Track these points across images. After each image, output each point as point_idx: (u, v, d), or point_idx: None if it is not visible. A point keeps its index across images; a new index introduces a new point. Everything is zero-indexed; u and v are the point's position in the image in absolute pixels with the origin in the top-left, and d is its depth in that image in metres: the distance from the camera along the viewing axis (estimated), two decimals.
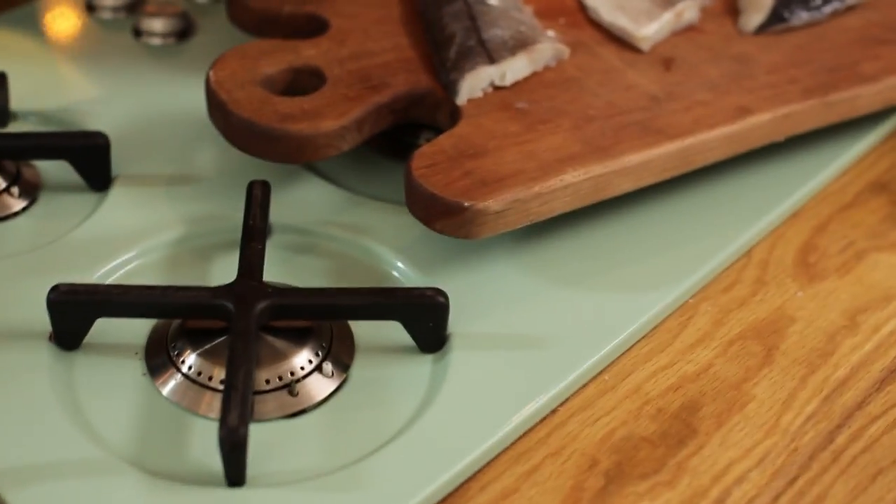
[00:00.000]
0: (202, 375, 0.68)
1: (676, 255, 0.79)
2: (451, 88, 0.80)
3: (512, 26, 0.85)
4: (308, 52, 0.83)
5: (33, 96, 0.90)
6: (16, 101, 0.88)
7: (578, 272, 0.77)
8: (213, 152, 0.84)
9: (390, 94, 0.80)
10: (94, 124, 0.86)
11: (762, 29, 0.91)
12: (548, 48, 0.84)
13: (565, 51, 0.85)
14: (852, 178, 0.90)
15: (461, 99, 0.80)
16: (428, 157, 0.75)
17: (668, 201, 0.83)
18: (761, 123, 0.83)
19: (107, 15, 1.00)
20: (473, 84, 0.80)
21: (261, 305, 0.68)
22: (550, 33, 0.88)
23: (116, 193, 0.81)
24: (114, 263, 0.76)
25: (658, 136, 0.79)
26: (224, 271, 0.75)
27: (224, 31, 0.93)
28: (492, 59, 0.81)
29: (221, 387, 0.66)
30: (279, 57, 0.82)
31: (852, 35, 0.93)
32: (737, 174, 0.86)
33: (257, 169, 0.81)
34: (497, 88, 0.82)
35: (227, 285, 0.69)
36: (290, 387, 0.68)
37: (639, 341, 0.74)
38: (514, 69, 0.82)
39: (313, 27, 0.87)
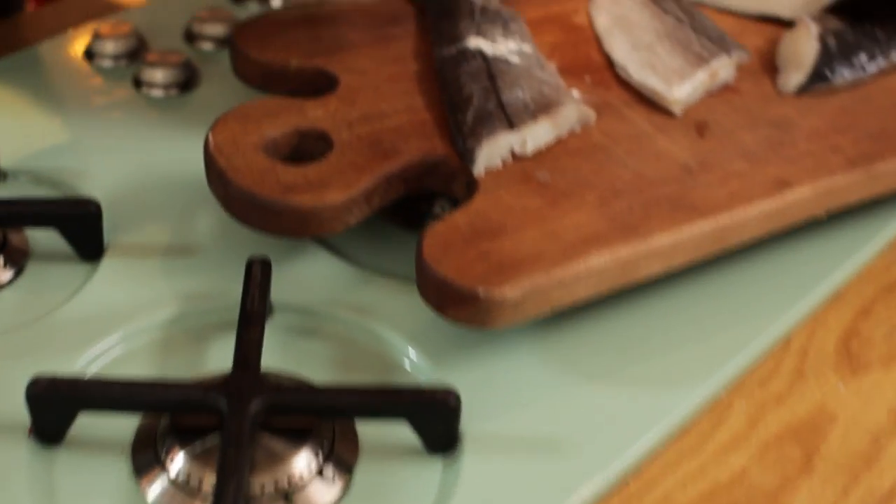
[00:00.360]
0: (192, 480, 0.62)
1: (708, 345, 0.73)
2: (467, 157, 0.74)
3: (534, 87, 0.79)
4: (315, 114, 0.78)
5: (25, 153, 0.84)
6: (6, 158, 0.83)
7: (601, 365, 0.71)
8: (214, 218, 0.78)
9: (402, 162, 0.75)
10: (88, 186, 0.81)
11: (803, 89, 0.86)
12: (572, 112, 0.78)
13: (591, 115, 0.80)
14: None
15: (478, 169, 0.74)
16: (441, 236, 0.69)
17: (698, 283, 0.77)
18: (802, 198, 0.77)
19: (107, 63, 0.95)
20: (492, 152, 0.74)
21: (256, 404, 0.62)
22: (576, 93, 0.82)
23: (108, 265, 0.76)
24: (102, 346, 0.70)
25: (690, 212, 0.73)
26: (220, 356, 0.70)
27: (229, 80, 0.88)
28: (512, 125, 0.75)
29: (211, 495, 0.61)
30: (284, 118, 0.77)
31: None
32: (773, 252, 0.80)
33: (260, 239, 0.75)
34: (517, 156, 0.76)
35: (220, 379, 0.64)
36: (288, 497, 0.62)
37: (667, 444, 0.68)
38: (535, 135, 0.76)
39: (322, 83, 0.82)
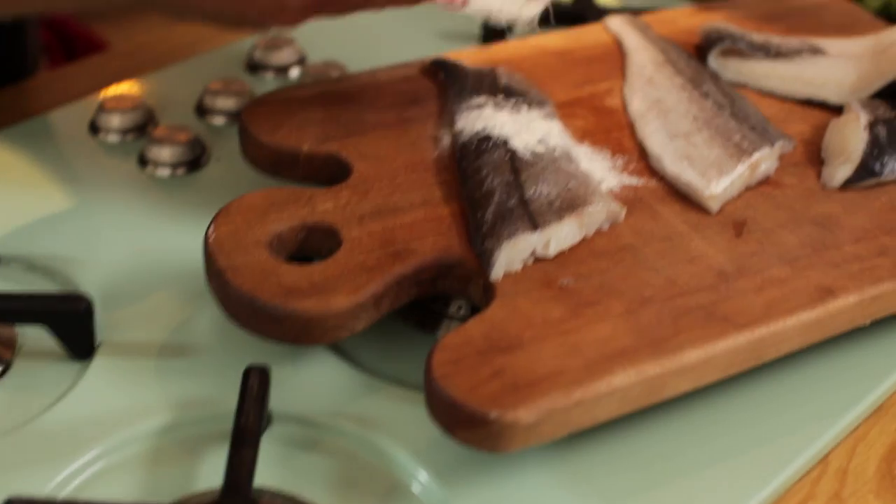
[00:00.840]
0: None
1: (739, 465, 0.68)
2: (485, 259, 0.69)
3: (560, 181, 0.74)
4: (324, 206, 0.73)
5: (21, 236, 0.80)
6: (1, 241, 0.79)
7: (621, 486, 0.66)
8: (214, 316, 0.73)
9: (415, 264, 0.69)
10: (83, 275, 0.77)
11: (850, 184, 0.80)
12: (601, 211, 0.73)
13: (621, 213, 0.74)
14: None
15: (496, 274, 0.69)
16: (453, 350, 0.64)
17: (728, 395, 0.72)
18: (846, 307, 0.72)
19: (112, 138, 0.90)
20: (512, 255, 0.69)
21: None
22: (605, 186, 0.77)
23: (99, 365, 0.71)
24: (87, 457, 0.66)
25: (724, 324, 0.68)
26: (212, 472, 0.65)
27: (240, 159, 0.83)
28: (535, 225, 0.70)
29: None
30: (291, 211, 0.72)
31: None
32: (810, 361, 0.74)
33: (262, 342, 0.70)
34: (539, 259, 0.71)
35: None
36: None
37: None
38: (559, 236, 0.71)
39: (335, 170, 0.77)
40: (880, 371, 0.75)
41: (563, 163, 0.76)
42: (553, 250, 0.71)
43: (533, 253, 0.71)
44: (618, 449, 0.68)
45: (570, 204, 0.72)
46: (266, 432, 0.67)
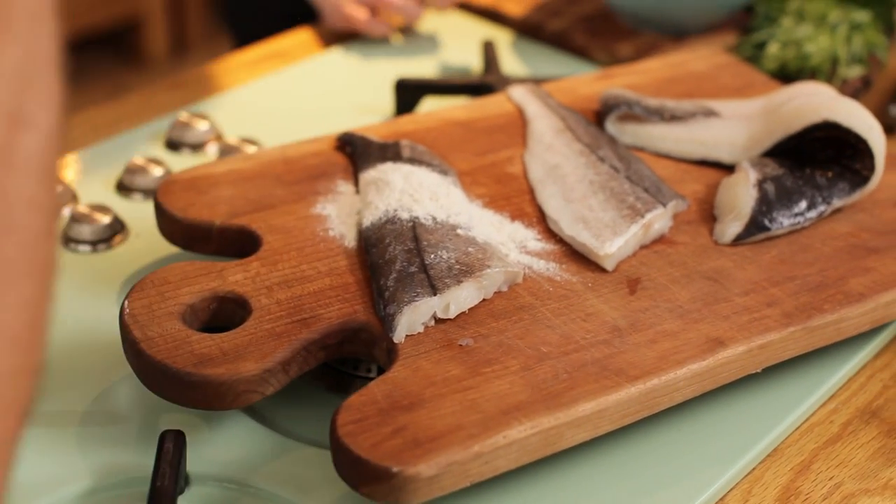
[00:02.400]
0: None
1: None
2: (387, 323, 0.72)
3: (460, 247, 0.77)
4: (235, 278, 0.76)
5: None
6: None
7: None
8: (133, 384, 0.76)
9: (321, 330, 0.73)
10: None
11: (740, 239, 0.84)
12: (499, 274, 0.76)
13: (519, 274, 0.78)
14: (839, 404, 0.82)
15: (398, 336, 0.72)
16: (356, 409, 0.67)
17: (626, 443, 0.75)
18: (735, 356, 0.75)
19: None
20: (413, 319, 0.73)
21: None
22: (504, 250, 0.80)
23: (25, 435, 0.73)
24: None
25: (618, 377, 0.71)
26: None
27: (158, 235, 0.85)
28: (434, 290, 0.73)
29: None
30: (203, 283, 0.75)
31: (839, 243, 0.86)
32: (706, 408, 0.78)
33: (179, 408, 0.72)
34: (440, 320, 0.74)
35: None
36: None
37: None
38: (459, 299, 0.75)
39: (246, 243, 0.80)
40: (774, 416, 0.79)
41: (463, 229, 0.79)
42: (453, 312, 0.74)
43: (434, 315, 0.74)
44: (516, 496, 0.71)
45: (468, 268, 0.75)
46: (184, 493, 0.70)
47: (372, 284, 0.76)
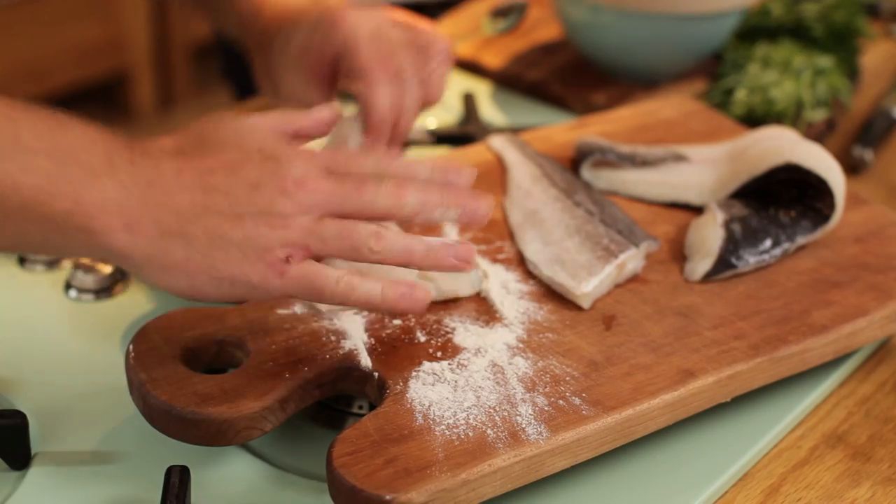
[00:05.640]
0: None
1: None
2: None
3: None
4: (233, 322, 0.81)
5: None
6: None
7: None
8: (138, 424, 0.80)
9: (316, 369, 0.77)
10: (17, 395, 0.84)
11: (709, 276, 0.89)
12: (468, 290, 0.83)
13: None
14: (806, 430, 0.87)
15: None
16: (350, 442, 0.72)
17: (605, 469, 0.80)
18: (705, 386, 0.80)
19: (39, 267, 0.97)
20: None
21: None
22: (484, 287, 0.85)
23: (35, 474, 0.78)
24: None
25: (595, 408, 0.76)
26: None
27: None
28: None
29: None
30: (203, 328, 0.80)
31: (803, 278, 0.91)
32: (680, 436, 0.83)
33: (181, 444, 0.77)
34: (430, 357, 0.79)
35: None
36: None
37: None
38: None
39: None
40: (745, 442, 0.83)
41: None
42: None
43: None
44: None
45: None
46: None
47: None
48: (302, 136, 0.79)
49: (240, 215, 0.71)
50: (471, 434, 0.73)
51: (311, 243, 0.72)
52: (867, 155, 1.20)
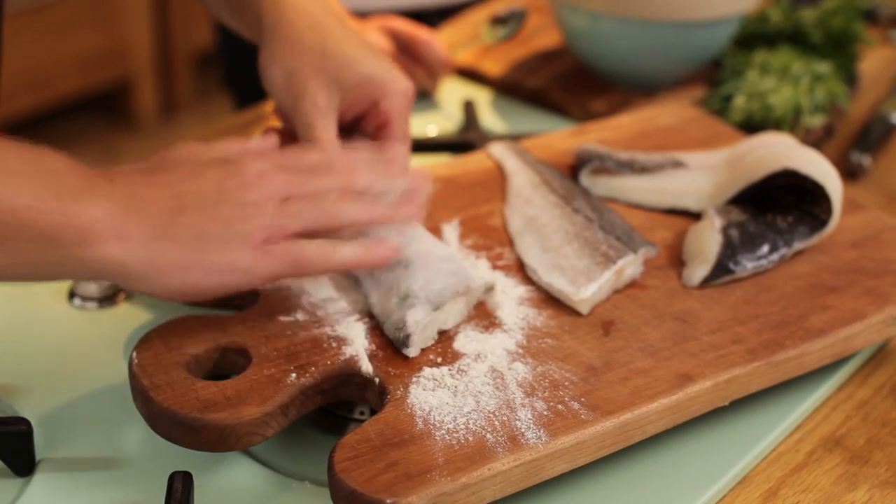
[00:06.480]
0: None
1: None
2: (401, 343, 0.79)
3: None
4: (235, 329, 0.81)
5: None
6: None
7: None
8: (142, 429, 0.81)
9: (317, 375, 0.78)
10: (22, 402, 0.85)
11: (707, 282, 0.90)
12: (480, 288, 0.85)
13: (493, 283, 0.86)
14: (804, 434, 0.87)
15: (414, 352, 0.80)
16: (351, 447, 0.73)
17: (604, 473, 0.81)
18: (703, 390, 0.81)
19: None
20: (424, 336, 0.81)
21: None
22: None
23: (39, 480, 0.79)
24: None
25: (594, 412, 0.77)
26: None
27: None
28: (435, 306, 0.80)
29: None
30: (205, 335, 0.80)
31: (801, 283, 0.91)
32: (679, 440, 0.83)
33: (184, 450, 0.78)
34: (431, 363, 0.80)
35: None
36: None
37: None
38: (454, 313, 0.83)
39: (245, 295, 0.86)
40: (743, 446, 0.84)
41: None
42: (451, 324, 0.82)
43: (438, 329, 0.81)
44: None
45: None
46: None
47: (374, 310, 0.82)
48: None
49: (214, 210, 0.77)
50: (471, 439, 0.74)
51: (286, 222, 0.78)
52: (865, 160, 1.21)
